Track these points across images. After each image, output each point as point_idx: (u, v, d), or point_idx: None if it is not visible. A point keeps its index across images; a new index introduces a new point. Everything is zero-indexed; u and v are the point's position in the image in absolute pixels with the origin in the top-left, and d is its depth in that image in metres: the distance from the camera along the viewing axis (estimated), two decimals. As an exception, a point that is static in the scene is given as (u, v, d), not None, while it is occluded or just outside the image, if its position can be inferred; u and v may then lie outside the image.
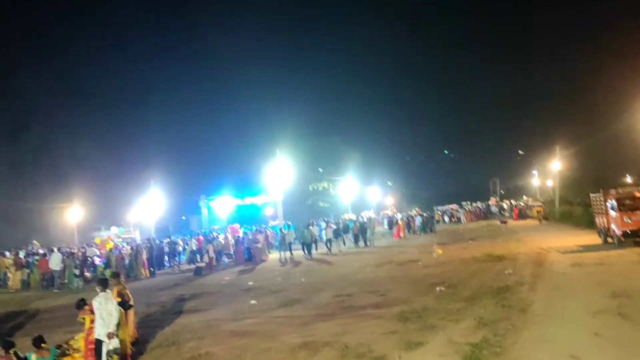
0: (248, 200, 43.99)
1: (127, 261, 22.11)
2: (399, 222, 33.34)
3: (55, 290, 19.72)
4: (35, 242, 39.23)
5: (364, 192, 50.85)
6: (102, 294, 8.15)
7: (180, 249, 26.67)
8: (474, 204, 53.11)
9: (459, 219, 45.10)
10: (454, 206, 50.65)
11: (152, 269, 22.60)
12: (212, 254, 22.88)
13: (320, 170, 44.10)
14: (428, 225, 34.40)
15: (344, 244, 27.51)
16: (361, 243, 27.84)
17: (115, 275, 9.89)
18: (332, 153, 43.70)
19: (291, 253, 24.10)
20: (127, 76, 73.24)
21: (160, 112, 66.35)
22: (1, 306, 16.45)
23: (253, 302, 13.37)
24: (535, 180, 59.33)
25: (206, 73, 72.17)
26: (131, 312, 9.01)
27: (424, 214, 38.62)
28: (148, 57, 77.43)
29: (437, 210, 49.06)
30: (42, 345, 7.96)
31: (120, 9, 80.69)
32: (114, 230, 35.34)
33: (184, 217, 52.44)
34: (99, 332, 7.93)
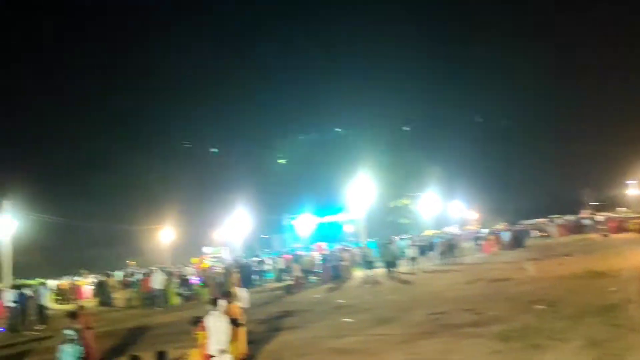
0: (329, 218, 44.60)
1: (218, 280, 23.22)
2: (489, 237, 32.38)
3: (158, 308, 21.03)
4: (130, 262, 41.77)
5: (445, 208, 49.98)
6: (213, 312, 8.76)
7: (268, 267, 27.52)
8: (564, 217, 50.47)
9: (548, 234, 43.03)
10: (543, 220, 48.35)
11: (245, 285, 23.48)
12: (298, 273, 23.44)
13: (400, 186, 43.96)
14: (517, 240, 33.15)
15: (429, 261, 27.16)
16: (448, 260, 27.36)
17: (227, 294, 10.51)
18: (412, 168, 43.46)
19: (374, 271, 24.17)
20: (209, 101, 77.06)
21: (242, 134, 69.08)
22: (111, 324, 17.81)
23: (347, 319, 13.63)
24: (632, 190, 55.59)
25: (290, 93, 73.69)
26: (242, 330, 9.53)
27: (513, 228, 37.26)
28: (228, 82, 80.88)
29: (523, 224, 47.13)
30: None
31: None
32: (207, 250, 36.94)
33: (265, 236, 53.78)
34: (212, 348, 8.53)
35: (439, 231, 40.79)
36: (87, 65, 78.15)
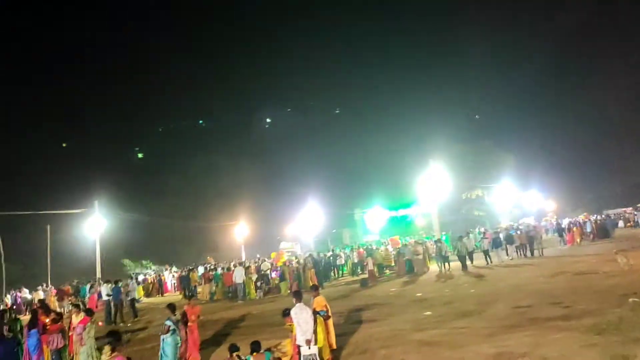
0: (400, 212, 44.26)
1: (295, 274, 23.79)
2: (574, 228, 31.02)
3: (239, 302, 21.87)
4: (208, 258, 43.46)
5: (521, 198, 48.22)
6: (298, 304, 9.11)
7: (343, 261, 27.85)
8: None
9: (636, 223, 40.62)
10: (629, 209, 45.63)
11: (319, 281, 23.91)
12: (371, 267, 23.56)
13: (473, 177, 42.86)
14: (603, 231, 31.53)
15: (507, 254, 26.40)
16: (527, 252, 26.48)
17: (314, 287, 10.84)
18: (485, 158, 42.20)
19: (448, 265, 23.90)
20: (281, 97, 78.64)
21: (315, 129, 69.86)
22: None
23: (428, 312, 13.63)
24: None
25: (360, 87, 73.36)
26: (330, 322, 9.81)
27: (598, 218, 35.46)
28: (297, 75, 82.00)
29: (608, 214, 44.67)
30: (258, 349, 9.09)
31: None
32: (283, 245, 37.82)
33: (334, 231, 54.08)
34: (299, 339, 8.89)
35: (514, 223, 39.47)
36: (161, 76, 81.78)
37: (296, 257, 29.20)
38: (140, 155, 71.17)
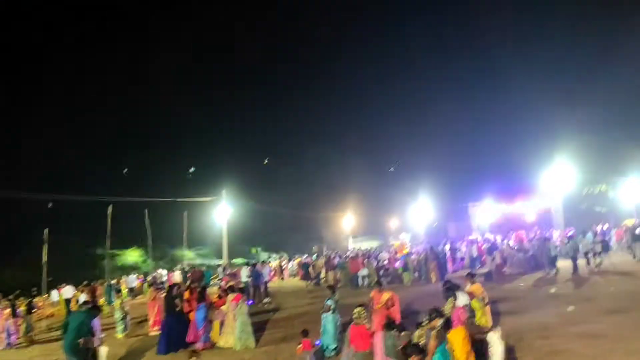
0: (517, 206, 42.90)
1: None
2: None
3: (364, 289, 22.73)
4: (315, 247, 44.90)
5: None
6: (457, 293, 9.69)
7: (463, 254, 27.83)
8: None
9: None
10: None
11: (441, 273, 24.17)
12: (499, 260, 23.35)
13: (595, 171, 40.39)
14: None
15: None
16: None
17: (470, 275, 11.33)
18: (612, 151, 39.55)
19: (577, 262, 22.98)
20: (398, 92, 78.74)
21: (424, 119, 69.37)
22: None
23: (571, 307, 13.54)
24: None
25: (480, 70, 70.93)
26: (487, 307, 10.27)
27: None
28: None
29: None
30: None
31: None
32: (404, 236, 38.40)
33: (435, 224, 53.16)
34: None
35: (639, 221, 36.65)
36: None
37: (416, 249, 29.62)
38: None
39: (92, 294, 26.41)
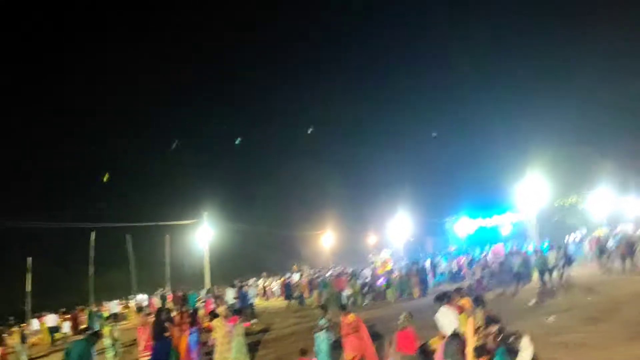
0: (494, 220, 43.98)
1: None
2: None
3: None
4: (294, 266, 45.00)
5: (619, 205, 46.19)
6: (442, 308, 10.16)
7: (442, 269, 28.45)
8: None
9: None
10: None
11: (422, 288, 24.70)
12: (478, 274, 24.02)
13: (566, 183, 41.74)
14: None
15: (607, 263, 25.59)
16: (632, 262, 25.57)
17: (457, 290, 11.77)
18: (581, 165, 41.02)
19: (550, 275, 23.58)
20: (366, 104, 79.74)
21: (397, 135, 70.32)
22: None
23: (551, 318, 14.14)
24: None
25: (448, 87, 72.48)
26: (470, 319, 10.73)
27: None
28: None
29: None
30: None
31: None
32: (385, 253, 38.89)
33: (411, 239, 53.65)
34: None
35: (609, 230, 37.92)
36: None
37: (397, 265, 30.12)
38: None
39: (74, 321, 26.20)
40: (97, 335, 11.34)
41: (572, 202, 43.30)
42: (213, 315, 14.00)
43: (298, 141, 70.69)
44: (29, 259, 19.70)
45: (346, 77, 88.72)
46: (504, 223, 45.12)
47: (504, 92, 55.22)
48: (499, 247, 31.37)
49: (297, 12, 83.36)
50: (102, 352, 16.43)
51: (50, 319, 22.68)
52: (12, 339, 18.43)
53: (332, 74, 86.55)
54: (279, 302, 30.67)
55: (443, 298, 10.37)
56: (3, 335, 18.46)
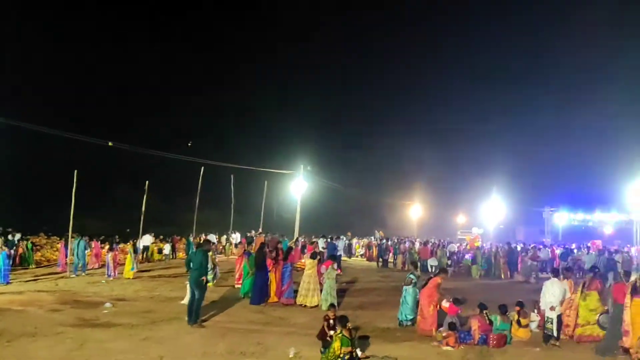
0: (595, 216, 41.68)
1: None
2: None
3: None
4: (380, 232, 45.40)
5: None
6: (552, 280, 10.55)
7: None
8: None
9: None
10: None
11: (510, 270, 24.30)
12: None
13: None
14: None
15: None
16: None
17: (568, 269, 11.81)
18: None
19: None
20: (463, 80, 77.47)
21: (501, 116, 67.86)
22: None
23: None
24: None
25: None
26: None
27: None
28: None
29: None
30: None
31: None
32: (475, 230, 38.53)
33: (501, 226, 51.99)
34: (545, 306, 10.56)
35: None
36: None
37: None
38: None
39: (173, 245, 28.84)
40: (209, 242, 13.93)
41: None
42: (313, 255, 14.95)
43: (399, 114, 70.43)
44: (147, 182, 21.73)
45: (454, 53, 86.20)
46: (607, 221, 42.60)
47: (626, 87, 51.01)
48: (598, 243, 29.84)
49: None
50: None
51: (146, 239, 25.00)
52: (127, 247, 20.79)
53: (439, 48, 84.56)
54: (362, 261, 31.61)
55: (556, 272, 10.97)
56: (116, 241, 21.06)
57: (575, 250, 26.91)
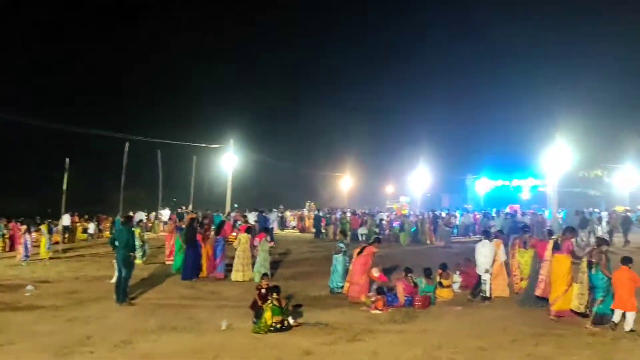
0: (512, 183, 44.09)
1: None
2: None
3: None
4: (312, 204, 45.84)
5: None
6: (483, 240, 11.34)
7: (457, 222, 29.09)
8: None
9: None
10: None
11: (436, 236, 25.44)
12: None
13: (592, 155, 41.32)
14: None
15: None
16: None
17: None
18: (610, 138, 40.45)
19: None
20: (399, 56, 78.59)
21: (428, 87, 69.66)
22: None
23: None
24: None
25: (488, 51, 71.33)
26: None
27: None
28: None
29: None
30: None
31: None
32: (403, 199, 39.62)
33: (428, 194, 53.95)
34: (479, 269, 11.35)
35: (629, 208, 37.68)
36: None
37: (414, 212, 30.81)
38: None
39: (99, 224, 27.82)
40: (131, 219, 13.44)
41: (597, 175, 43.06)
42: (248, 230, 14.94)
43: (327, 84, 70.63)
44: (67, 160, 20.63)
45: (380, 26, 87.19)
46: (524, 187, 45.27)
47: (539, 54, 53.88)
48: (515, 208, 31.74)
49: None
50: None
51: (65, 219, 23.72)
52: (42, 228, 19.88)
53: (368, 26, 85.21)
54: (295, 233, 31.93)
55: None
56: (37, 222, 20.16)
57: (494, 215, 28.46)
